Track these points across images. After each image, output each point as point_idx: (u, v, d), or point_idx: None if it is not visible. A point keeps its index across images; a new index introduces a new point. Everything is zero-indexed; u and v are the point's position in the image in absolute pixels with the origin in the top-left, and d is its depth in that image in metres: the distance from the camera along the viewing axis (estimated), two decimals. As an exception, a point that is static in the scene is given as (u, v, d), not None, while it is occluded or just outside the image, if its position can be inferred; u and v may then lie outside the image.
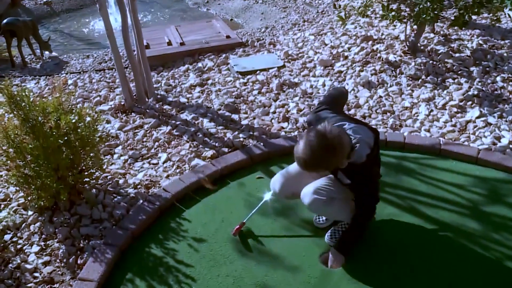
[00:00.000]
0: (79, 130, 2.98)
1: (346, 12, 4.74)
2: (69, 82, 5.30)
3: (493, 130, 3.58)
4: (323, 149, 2.06)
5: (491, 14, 4.26)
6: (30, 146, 2.81)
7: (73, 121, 2.94)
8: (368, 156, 2.23)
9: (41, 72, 5.84)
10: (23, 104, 2.81)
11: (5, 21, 6.06)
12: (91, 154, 3.09)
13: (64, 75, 5.61)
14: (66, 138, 2.87)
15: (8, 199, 3.19)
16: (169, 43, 5.84)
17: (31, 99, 2.88)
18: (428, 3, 3.93)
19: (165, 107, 4.33)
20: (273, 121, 3.91)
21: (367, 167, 2.29)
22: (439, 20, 5.09)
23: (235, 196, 3.05)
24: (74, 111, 3.05)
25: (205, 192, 3.12)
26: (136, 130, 3.99)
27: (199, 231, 2.79)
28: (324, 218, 2.77)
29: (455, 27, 4.45)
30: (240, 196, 2.99)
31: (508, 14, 5.35)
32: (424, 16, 4.00)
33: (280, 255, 2.58)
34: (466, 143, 3.45)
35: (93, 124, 3.09)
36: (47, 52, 6.54)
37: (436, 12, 3.99)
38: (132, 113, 4.29)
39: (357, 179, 2.32)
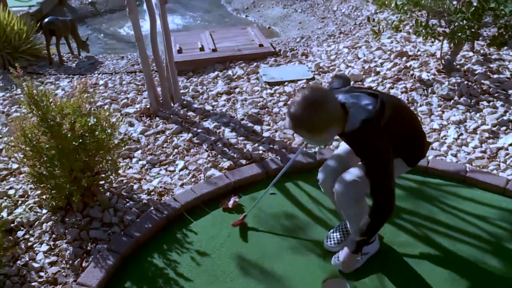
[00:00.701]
0: (96, 132, 3.00)
1: (381, 27, 4.61)
2: (101, 82, 5.37)
3: (527, 159, 3.37)
4: (305, 103, 1.96)
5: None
6: (46, 146, 2.84)
7: (90, 124, 2.95)
8: (366, 123, 2.03)
9: (75, 71, 5.95)
10: (42, 104, 2.84)
11: (46, 20, 6.22)
12: (108, 157, 3.10)
13: (96, 75, 5.69)
14: (81, 140, 2.89)
15: (26, 196, 3.23)
16: (202, 49, 5.84)
17: (51, 99, 2.92)
18: (464, 20, 3.75)
19: (189, 113, 4.31)
20: (294, 135, 3.82)
21: (371, 140, 2.07)
22: (480, 38, 4.89)
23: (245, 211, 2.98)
24: (92, 113, 3.06)
25: (215, 204, 3.07)
26: (158, 135, 3.98)
27: (204, 244, 2.73)
28: (336, 240, 2.65)
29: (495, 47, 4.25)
30: (251, 212, 2.91)
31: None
32: (460, 34, 3.83)
33: (283, 277, 2.49)
34: (494, 171, 3.26)
35: (110, 128, 3.09)
36: (84, 52, 6.66)
37: (473, 30, 3.81)
38: (156, 118, 4.29)
39: (364, 155, 2.13)
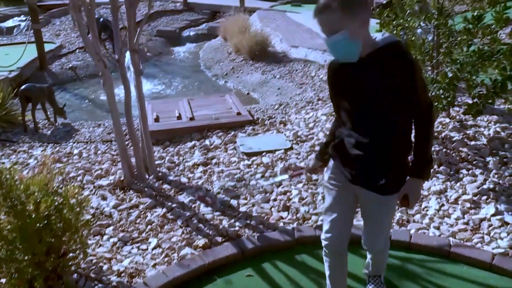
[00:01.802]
0: (64, 210, 2.85)
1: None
2: (75, 151, 5.25)
3: (510, 231, 3.28)
4: None
5: (507, 104, 4.07)
6: (7, 227, 2.67)
7: (56, 203, 2.81)
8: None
9: (50, 139, 5.84)
10: (5, 182, 2.69)
11: (22, 87, 6.19)
12: (75, 237, 2.93)
13: (71, 143, 5.56)
14: (46, 221, 2.73)
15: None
16: (179, 117, 5.80)
17: (16, 177, 2.78)
18: (441, 90, 3.78)
19: (164, 186, 4.19)
20: (272, 209, 3.69)
21: (408, 52, 2.05)
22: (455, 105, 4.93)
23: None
24: (60, 192, 2.92)
25: (189, 288, 2.89)
26: (131, 210, 3.83)
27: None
28: None
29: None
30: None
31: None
32: (436, 104, 3.84)
33: None
34: (479, 245, 3.16)
35: (79, 206, 2.94)
36: (61, 118, 6.58)
37: (449, 99, 3.82)
38: (130, 191, 4.15)
39: (408, 72, 2.00)
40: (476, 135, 4.58)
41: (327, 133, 2.41)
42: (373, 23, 3.84)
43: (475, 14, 3.83)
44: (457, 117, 4.99)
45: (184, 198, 3.93)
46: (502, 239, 3.21)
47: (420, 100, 2.05)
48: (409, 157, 2.22)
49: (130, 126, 4.14)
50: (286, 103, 6.53)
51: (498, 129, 4.69)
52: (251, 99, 8.09)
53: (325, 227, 2.37)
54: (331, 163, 2.34)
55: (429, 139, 2.16)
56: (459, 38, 3.91)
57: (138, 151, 4.24)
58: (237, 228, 3.44)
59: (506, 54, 3.80)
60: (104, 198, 4.05)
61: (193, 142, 5.16)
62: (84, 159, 5.00)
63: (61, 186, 3.06)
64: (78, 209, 2.91)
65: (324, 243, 2.38)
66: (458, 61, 3.67)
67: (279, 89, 7.98)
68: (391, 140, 2.11)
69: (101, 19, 10.97)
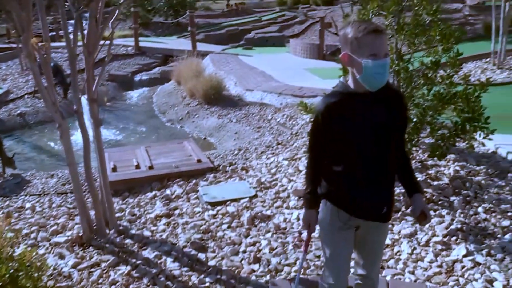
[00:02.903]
0: (20, 277, 2.61)
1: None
2: (27, 205, 4.94)
3: (483, 271, 3.28)
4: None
5: (465, 143, 4.17)
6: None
7: (11, 270, 2.57)
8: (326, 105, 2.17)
9: (-2, 192, 5.48)
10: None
11: (-32, 138, 5.85)
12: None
13: (22, 197, 5.24)
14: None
15: None
16: (138, 166, 5.60)
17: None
18: (406, 135, 3.81)
19: (126, 241, 3.96)
20: (243, 261, 3.54)
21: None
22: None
23: None
24: (16, 257, 2.68)
25: None
26: (92, 269, 3.58)
27: None
28: None
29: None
30: None
31: (482, 143, 5.32)
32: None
33: None
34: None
35: (37, 271, 2.71)
36: (10, 169, 6.24)
37: (413, 142, 3.87)
38: (90, 247, 3.90)
39: (404, 112, 2.34)
40: (438, 175, 4.65)
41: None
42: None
43: (433, 59, 3.95)
44: (417, 157, 5.07)
45: (148, 253, 3.72)
46: (476, 280, 3.20)
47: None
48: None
49: (90, 179, 3.93)
50: (245, 148, 6.46)
51: (457, 167, 4.79)
52: (208, 144, 7.98)
53: (333, 270, 2.35)
54: (324, 207, 2.33)
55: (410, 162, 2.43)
56: (418, 82, 4.01)
57: (97, 205, 4.02)
58: (207, 284, 3.27)
59: (462, 97, 3.92)
60: (61, 256, 3.78)
61: (153, 192, 4.97)
62: (38, 213, 4.70)
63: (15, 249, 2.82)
64: (36, 274, 2.68)
65: (331, 282, 2.36)
66: (421, 105, 3.74)
67: (237, 133, 7.91)
68: (391, 170, 2.24)
69: (52, 63, 10.69)
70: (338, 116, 2.15)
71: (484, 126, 3.94)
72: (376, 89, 2.09)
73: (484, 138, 4.07)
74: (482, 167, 4.84)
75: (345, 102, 2.14)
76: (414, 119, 3.75)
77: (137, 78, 13.46)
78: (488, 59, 10.23)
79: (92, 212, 4.14)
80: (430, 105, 3.72)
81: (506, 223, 3.83)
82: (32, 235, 4.19)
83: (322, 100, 2.21)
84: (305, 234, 2.60)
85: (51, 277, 3.45)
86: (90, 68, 3.72)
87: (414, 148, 5.14)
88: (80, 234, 4.03)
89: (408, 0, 4.24)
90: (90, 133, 3.95)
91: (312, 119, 2.28)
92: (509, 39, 10.16)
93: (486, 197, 4.23)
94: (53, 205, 4.92)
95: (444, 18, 3.99)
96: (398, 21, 4.18)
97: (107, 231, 4.12)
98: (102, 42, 3.79)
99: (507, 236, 3.64)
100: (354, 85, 2.14)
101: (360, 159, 2.18)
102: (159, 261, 3.60)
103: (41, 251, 3.88)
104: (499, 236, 3.67)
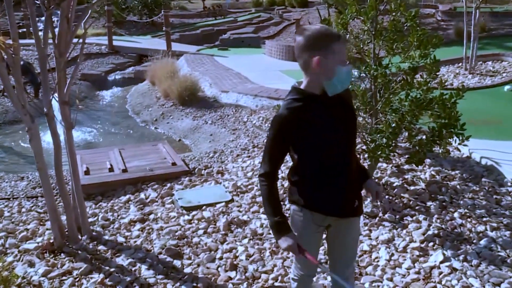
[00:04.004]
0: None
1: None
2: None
3: (460, 277, 3.29)
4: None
5: (442, 148, 4.19)
6: None
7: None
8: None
9: (-36, 197, 5.26)
10: None
11: None
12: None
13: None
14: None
15: None
16: (111, 169, 5.46)
17: None
18: (384, 139, 3.80)
19: (100, 247, 3.84)
20: (219, 269, 3.47)
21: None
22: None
23: None
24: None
25: None
26: (64, 277, 3.45)
27: None
28: None
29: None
30: None
31: (458, 148, 5.38)
32: (379, 153, 3.86)
33: None
34: (433, 295, 3.13)
35: (4, 284, 2.59)
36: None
37: (391, 148, 3.86)
38: (62, 254, 3.76)
39: (353, 111, 2.44)
40: (415, 180, 4.66)
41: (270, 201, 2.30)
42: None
43: (410, 65, 3.95)
44: (393, 161, 5.08)
45: (122, 260, 3.61)
46: (453, 286, 3.21)
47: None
48: None
49: (61, 184, 3.79)
50: (221, 150, 6.37)
51: (433, 172, 4.82)
52: (183, 146, 7.86)
53: (304, 263, 2.46)
54: (297, 215, 2.35)
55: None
56: (395, 87, 4.00)
57: (69, 210, 3.88)
58: (183, 293, 3.19)
59: (439, 103, 3.93)
60: (31, 264, 3.63)
61: (127, 196, 4.85)
62: (6, 218, 4.51)
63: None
64: (2, 286, 2.56)
65: (301, 272, 2.52)
66: (400, 111, 3.73)
67: (212, 135, 7.82)
68: (356, 164, 2.36)
69: (22, 62, 10.39)
70: (304, 120, 2.15)
71: (460, 132, 3.96)
72: (336, 93, 2.16)
73: (459, 144, 4.10)
74: (457, 171, 4.88)
75: (308, 106, 2.16)
76: (393, 125, 3.73)
77: (111, 77, 13.20)
78: (460, 64, 10.41)
79: (63, 217, 4.00)
80: (408, 110, 3.71)
81: (481, 228, 3.86)
82: (0, 242, 4.03)
83: (285, 106, 2.19)
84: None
85: (20, 287, 3.31)
86: (62, 70, 3.58)
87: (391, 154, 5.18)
88: (51, 241, 3.88)
89: (386, 5, 4.23)
90: (62, 135, 3.82)
91: (271, 127, 2.21)
92: (479, 45, 10.37)
93: (461, 202, 4.27)
94: (23, 210, 4.73)
95: (418, 23, 3.98)
96: (376, 26, 4.17)
97: (80, 237, 3.98)
98: (75, 40, 3.65)
99: (482, 242, 3.67)
100: (311, 89, 2.18)
101: (331, 158, 2.23)
102: (133, 269, 3.50)
103: (9, 259, 3.72)
104: (474, 241, 3.70)
